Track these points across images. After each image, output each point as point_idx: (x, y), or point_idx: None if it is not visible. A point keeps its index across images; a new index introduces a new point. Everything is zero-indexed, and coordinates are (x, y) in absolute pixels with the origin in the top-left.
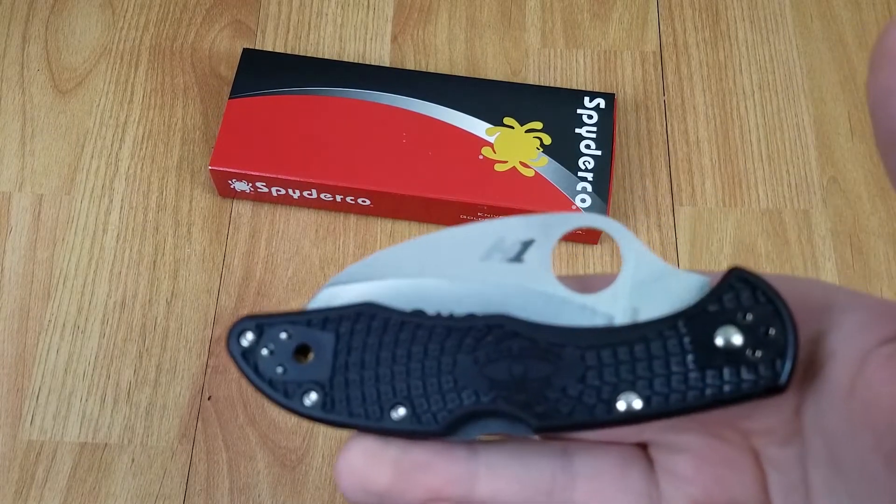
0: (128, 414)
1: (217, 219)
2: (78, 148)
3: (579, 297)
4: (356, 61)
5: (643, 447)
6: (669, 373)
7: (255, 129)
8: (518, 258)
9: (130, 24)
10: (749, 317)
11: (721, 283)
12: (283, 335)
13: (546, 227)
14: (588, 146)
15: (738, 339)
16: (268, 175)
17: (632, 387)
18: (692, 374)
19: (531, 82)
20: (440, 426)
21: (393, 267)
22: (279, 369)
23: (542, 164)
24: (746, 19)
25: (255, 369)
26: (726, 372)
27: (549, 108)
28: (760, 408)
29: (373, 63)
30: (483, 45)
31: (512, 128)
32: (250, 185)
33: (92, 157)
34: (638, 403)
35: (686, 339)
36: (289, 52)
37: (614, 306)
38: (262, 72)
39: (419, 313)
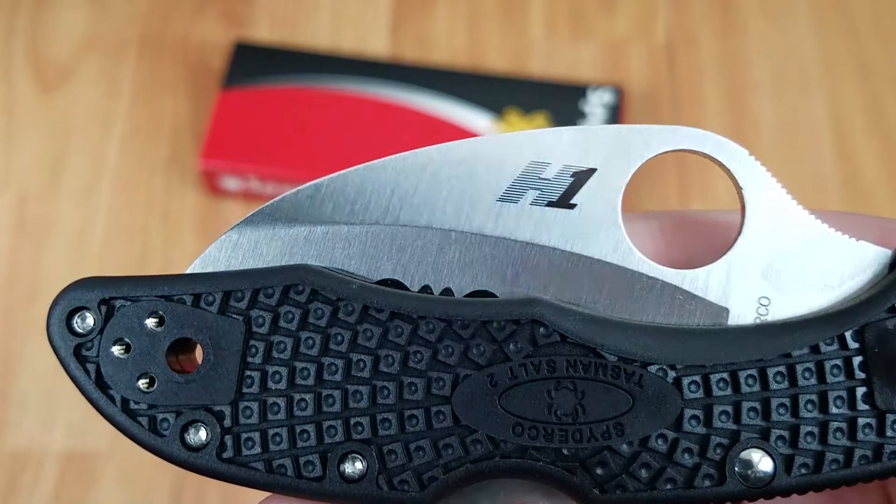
0: None
1: (208, 219)
2: (63, 145)
3: (670, 271)
4: (353, 53)
5: None
6: (826, 417)
7: (248, 122)
8: (566, 200)
9: (118, 15)
10: None
11: None
12: (151, 320)
13: (618, 150)
14: None
15: None
16: (261, 170)
17: (760, 440)
18: (863, 421)
19: (535, 74)
20: (425, 493)
21: (351, 201)
22: (141, 382)
23: None
24: (758, 10)
25: (98, 379)
26: None
27: (554, 101)
28: None
29: (370, 55)
30: (485, 35)
31: (515, 123)
32: (242, 182)
33: (77, 155)
34: (767, 466)
35: (857, 360)
36: (283, 43)
37: (729, 290)
38: (255, 64)
39: (392, 286)
